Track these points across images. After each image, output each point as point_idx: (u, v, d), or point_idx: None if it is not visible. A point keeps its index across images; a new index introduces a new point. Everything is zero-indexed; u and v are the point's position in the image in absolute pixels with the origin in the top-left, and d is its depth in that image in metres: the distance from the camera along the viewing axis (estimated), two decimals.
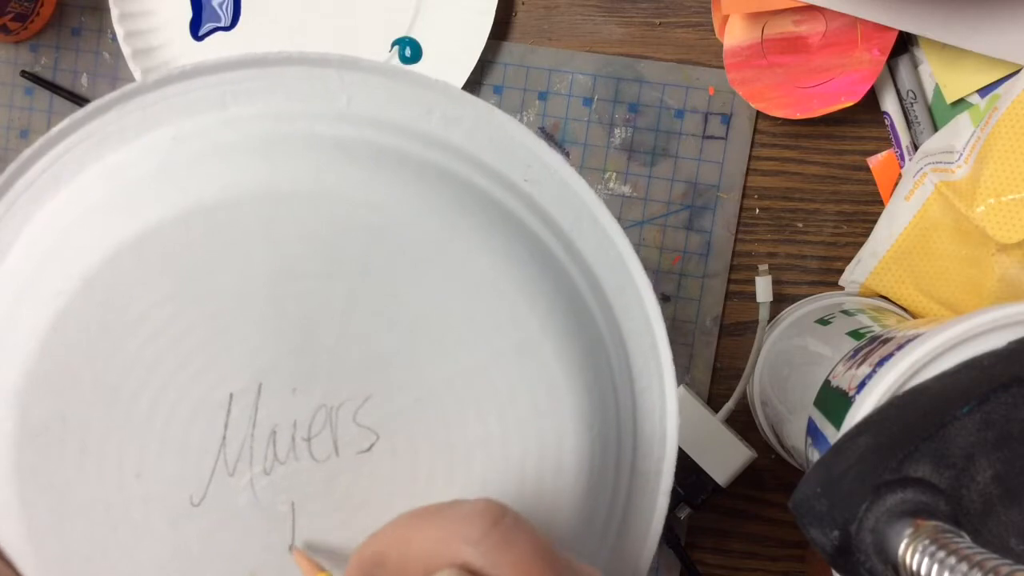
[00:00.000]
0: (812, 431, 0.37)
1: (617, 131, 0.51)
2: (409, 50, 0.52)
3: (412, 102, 0.28)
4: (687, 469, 0.49)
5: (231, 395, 0.26)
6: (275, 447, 0.26)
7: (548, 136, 0.52)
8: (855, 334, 0.40)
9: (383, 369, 0.26)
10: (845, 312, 0.45)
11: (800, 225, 0.51)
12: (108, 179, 0.27)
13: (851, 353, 0.37)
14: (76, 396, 0.26)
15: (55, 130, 0.27)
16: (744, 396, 0.49)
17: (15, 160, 0.27)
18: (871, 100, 0.49)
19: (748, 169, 0.51)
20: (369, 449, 0.26)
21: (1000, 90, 0.46)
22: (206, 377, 0.26)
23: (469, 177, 0.28)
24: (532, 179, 0.28)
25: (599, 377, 0.27)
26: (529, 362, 0.26)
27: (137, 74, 0.52)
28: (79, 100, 0.54)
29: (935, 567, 0.21)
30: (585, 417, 0.27)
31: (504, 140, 0.28)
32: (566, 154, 0.51)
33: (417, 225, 0.26)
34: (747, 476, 0.50)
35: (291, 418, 0.26)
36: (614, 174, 0.52)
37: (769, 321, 0.49)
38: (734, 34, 0.48)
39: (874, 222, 0.49)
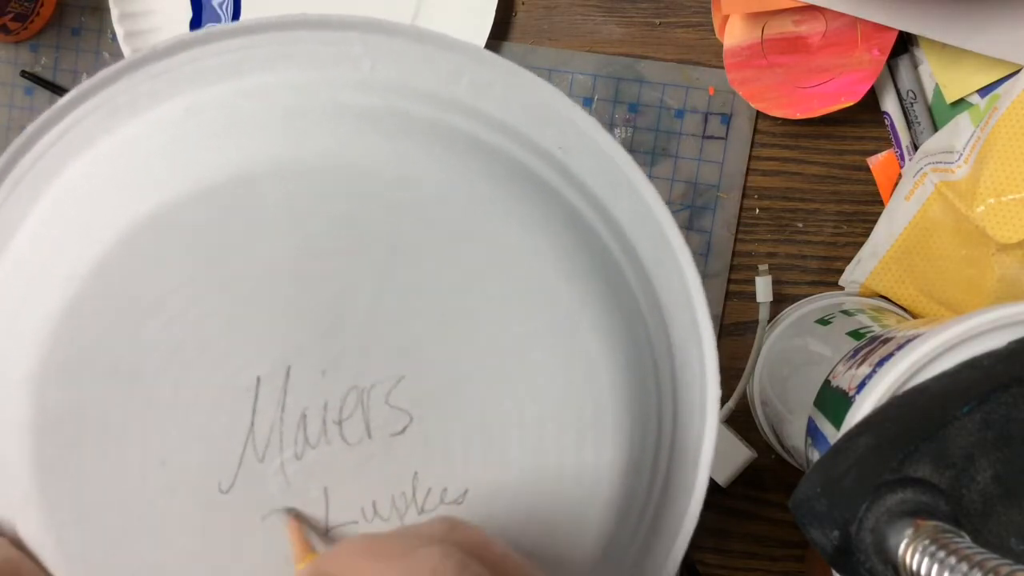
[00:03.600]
0: (812, 431, 0.37)
1: (617, 131, 0.51)
2: None
3: (439, 66, 0.27)
4: None
5: (258, 379, 0.25)
6: (306, 431, 0.25)
7: None
8: (855, 334, 0.40)
9: (415, 349, 0.25)
10: (845, 312, 0.45)
11: (800, 225, 0.51)
12: (119, 155, 0.26)
13: (851, 353, 0.37)
14: (94, 384, 0.25)
15: (61, 102, 0.26)
16: (744, 396, 0.49)
17: (20, 135, 0.26)
18: (871, 100, 0.49)
19: (748, 169, 0.51)
20: (403, 431, 0.26)
21: (1000, 90, 0.46)
22: (230, 361, 0.25)
23: (501, 146, 0.26)
24: (567, 147, 0.27)
25: (638, 352, 0.27)
26: (566, 339, 0.25)
27: None
28: None
29: (935, 567, 0.21)
30: (625, 393, 0.26)
31: (537, 106, 0.27)
32: None
33: (447, 199, 0.25)
34: (747, 476, 0.50)
35: (321, 401, 0.25)
36: None
37: (769, 321, 0.49)
38: (734, 34, 0.48)
39: (874, 222, 0.49)
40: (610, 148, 0.27)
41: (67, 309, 0.25)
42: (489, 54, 0.27)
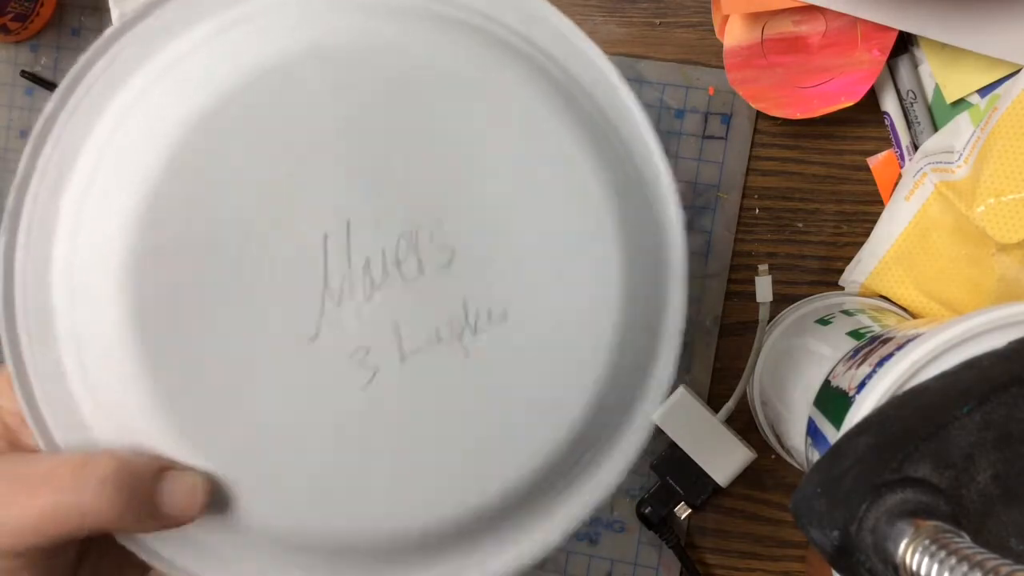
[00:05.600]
0: (812, 431, 0.37)
1: None
2: None
3: None
4: (687, 469, 0.49)
5: (325, 235, 0.29)
6: (371, 275, 0.30)
7: None
8: (855, 334, 0.40)
9: (449, 194, 0.30)
10: (845, 312, 0.45)
11: (800, 225, 0.51)
12: (168, 67, 0.30)
13: (851, 353, 0.37)
14: (183, 264, 0.29)
15: (106, 33, 0.29)
16: (744, 396, 0.49)
17: (74, 64, 0.29)
18: (871, 100, 0.49)
19: (748, 169, 0.51)
20: (449, 264, 0.30)
21: (1000, 90, 0.46)
22: (299, 224, 0.29)
23: (487, 27, 0.31)
24: (527, 22, 0.32)
25: (617, 177, 0.31)
26: (561, 164, 0.31)
27: None
28: None
29: (935, 567, 0.21)
30: (613, 203, 0.31)
31: None
32: None
33: (460, 71, 0.30)
34: (747, 476, 0.50)
35: (379, 247, 0.30)
36: None
37: (769, 321, 0.49)
38: (734, 34, 0.48)
39: (874, 222, 0.49)
40: (561, 24, 0.32)
41: (148, 202, 0.28)
42: None
